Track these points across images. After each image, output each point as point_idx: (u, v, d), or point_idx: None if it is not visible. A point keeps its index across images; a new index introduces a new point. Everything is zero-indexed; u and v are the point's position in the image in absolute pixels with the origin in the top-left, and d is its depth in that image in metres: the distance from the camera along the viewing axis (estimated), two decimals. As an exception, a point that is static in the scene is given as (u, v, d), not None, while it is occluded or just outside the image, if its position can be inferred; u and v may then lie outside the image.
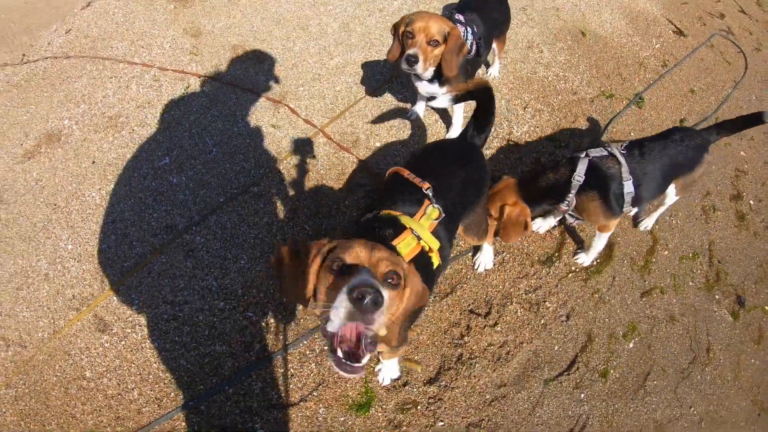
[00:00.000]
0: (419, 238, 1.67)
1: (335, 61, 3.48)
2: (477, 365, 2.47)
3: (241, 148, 2.98)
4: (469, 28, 2.63)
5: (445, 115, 3.37)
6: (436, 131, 3.31)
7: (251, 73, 3.35)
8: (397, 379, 2.40)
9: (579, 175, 2.37)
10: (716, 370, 2.89)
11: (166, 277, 2.56)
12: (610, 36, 4.20)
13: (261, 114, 3.16)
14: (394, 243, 1.60)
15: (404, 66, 2.41)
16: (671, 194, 2.69)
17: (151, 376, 2.34)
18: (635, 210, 2.51)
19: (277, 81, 3.34)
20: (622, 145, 2.47)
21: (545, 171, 2.49)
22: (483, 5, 2.89)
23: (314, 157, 3.02)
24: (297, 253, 1.42)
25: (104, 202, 2.81)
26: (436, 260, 1.73)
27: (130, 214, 2.75)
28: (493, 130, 3.27)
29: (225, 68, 3.38)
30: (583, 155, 2.41)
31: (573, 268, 2.86)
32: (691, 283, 3.06)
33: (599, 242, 2.73)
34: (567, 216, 2.62)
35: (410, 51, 2.37)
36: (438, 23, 2.39)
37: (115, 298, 2.51)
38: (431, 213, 1.75)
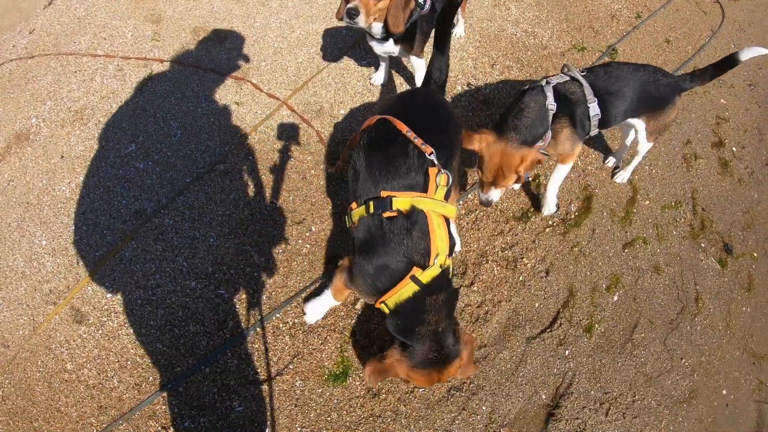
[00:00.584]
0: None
1: (296, 34, 3.42)
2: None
3: (205, 128, 2.94)
4: None
5: (410, 79, 3.31)
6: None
7: (213, 53, 3.31)
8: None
9: (551, 104, 2.26)
10: (706, 319, 2.85)
11: (137, 262, 2.53)
12: (580, -11, 4.11)
13: (224, 92, 3.12)
14: (433, 253, 1.55)
15: (346, 20, 2.31)
16: (642, 137, 2.60)
17: (129, 363, 2.32)
18: (596, 132, 2.42)
19: (239, 58, 3.29)
20: (580, 68, 2.39)
21: (513, 110, 2.28)
22: None
23: (279, 130, 2.98)
24: None
25: (74, 195, 2.79)
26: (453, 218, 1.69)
27: (99, 203, 2.72)
28: (461, 88, 3.23)
29: (187, 51, 3.33)
30: (544, 83, 2.31)
31: (550, 223, 2.80)
32: (675, 233, 3.01)
33: (560, 176, 2.60)
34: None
35: (350, 4, 2.26)
36: None
37: (89, 288, 2.49)
38: (441, 180, 1.62)
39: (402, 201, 1.58)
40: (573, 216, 2.83)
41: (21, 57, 3.50)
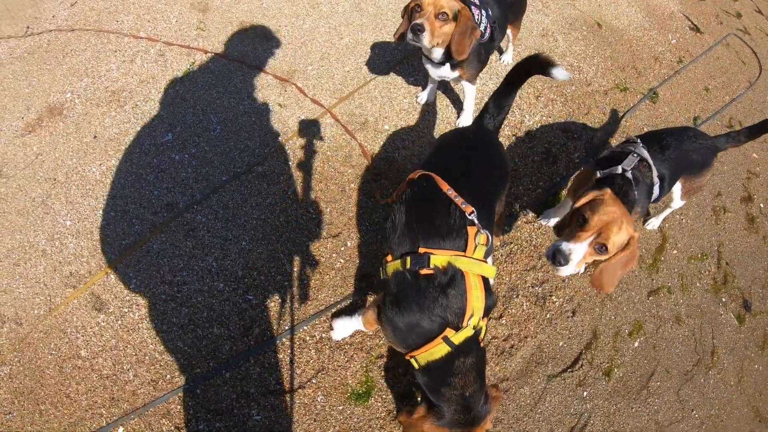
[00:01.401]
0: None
1: (345, 41, 3.39)
2: (481, 357, 2.43)
3: (246, 127, 2.91)
4: (483, 11, 2.53)
5: (456, 101, 3.29)
6: (446, 116, 3.23)
7: (259, 50, 3.27)
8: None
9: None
10: (720, 374, 2.86)
11: (165, 256, 2.50)
12: (626, 28, 4.11)
13: (267, 92, 3.08)
14: (467, 315, 1.52)
15: (409, 36, 2.29)
16: (676, 196, 2.59)
17: (147, 358, 2.29)
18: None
19: (285, 59, 3.25)
20: (635, 138, 2.36)
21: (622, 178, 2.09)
22: None
23: (321, 138, 2.95)
24: None
25: (105, 178, 2.75)
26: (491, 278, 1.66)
27: (130, 190, 2.69)
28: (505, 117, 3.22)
29: (232, 44, 3.29)
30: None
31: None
32: (698, 284, 3.01)
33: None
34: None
35: (417, 21, 2.26)
36: (448, 0, 2.30)
37: (112, 276, 2.46)
38: (481, 239, 1.60)
39: (440, 258, 1.56)
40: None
41: (61, 29, 3.45)
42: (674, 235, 3.08)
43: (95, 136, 2.90)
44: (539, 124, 3.27)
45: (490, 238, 1.63)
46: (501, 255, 2.71)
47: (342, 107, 3.08)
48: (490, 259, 2.29)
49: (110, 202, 2.66)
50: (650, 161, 2.20)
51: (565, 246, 1.76)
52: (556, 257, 1.77)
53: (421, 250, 1.59)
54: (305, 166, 2.83)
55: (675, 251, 3.02)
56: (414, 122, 3.14)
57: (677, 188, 2.53)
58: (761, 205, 3.59)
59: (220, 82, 3.09)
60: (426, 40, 2.30)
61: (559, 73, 1.84)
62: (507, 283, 2.62)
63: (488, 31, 2.55)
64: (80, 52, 3.28)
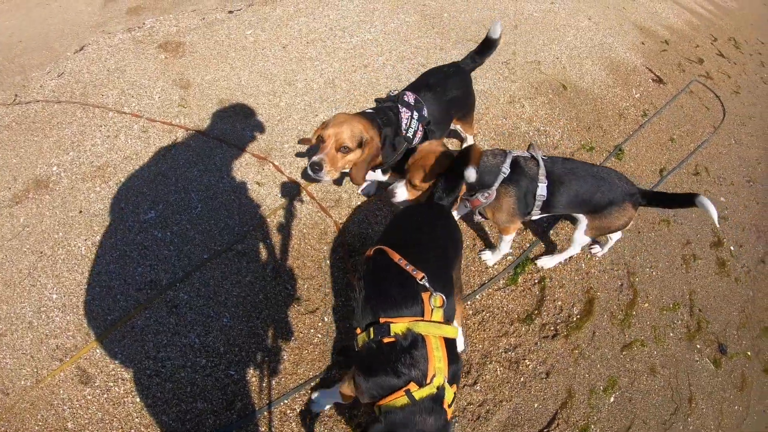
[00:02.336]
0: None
1: (320, 118, 3.52)
2: (456, 426, 2.47)
3: (225, 205, 3.01)
4: (415, 113, 2.53)
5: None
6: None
7: (238, 128, 3.40)
8: None
9: (506, 167, 2.40)
10: (699, 419, 2.91)
11: (149, 332, 2.56)
12: (590, 88, 4.30)
13: (246, 170, 3.19)
14: (430, 372, 1.56)
15: (309, 172, 2.31)
16: (579, 231, 2.68)
17: (132, 431, 2.33)
18: (540, 216, 2.59)
19: (263, 137, 3.37)
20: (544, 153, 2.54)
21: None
22: (441, 84, 2.70)
23: (297, 215, 3.04)
24: None
25: (90, 253, 2.82)
26: (455, 337, 1.73)
27: (114, 266, 2.76)
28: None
29: (212, 122, 3.42)
30: (509, 152, 2.47)
31: (555, 326, 2.88)
32: (671, 334, 3.10)
33: (504, 245, 2.81)
34: (477, 212, 2.64)
35: (315, 157, 2.27)
36: (353, 129, 2.28)
37: (98, 350, 2.50)
38: (436, 302, 1.68)
39: (399, 326, 1.64)
40: (575, 319, 2.91)
41: (48, 100, 3.58)
42: (644, 288, 3.18)
43: (81, 211, 2.99)
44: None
45: (444, 300, 1.70)
46: (473, 323, 2.79)
47: (317, 185, 3.19)
48: (456, 322, 2.37)
49: (95, 277, 2.72)
50: (540, 160, 2.49)
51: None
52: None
53: (382, 320, 1.69)
54: (283, 243, 2.92)
55: (646, 304, 3.12)
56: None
57: (583, 221, 2.64)
58: (731, 248, 3.72)
59: (200, 159, 3.20)
60: (325, 175, 2.30)
61: (470, 173, 2.07)
62: (480, 350, 2.70)
63: (419, 135, 2.56)
64: (66, 125, 3.40)
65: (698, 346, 3.15)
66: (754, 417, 3.13)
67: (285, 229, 2.96)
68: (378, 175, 2.70)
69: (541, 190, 2.41)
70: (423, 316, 1.68)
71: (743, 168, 4.35)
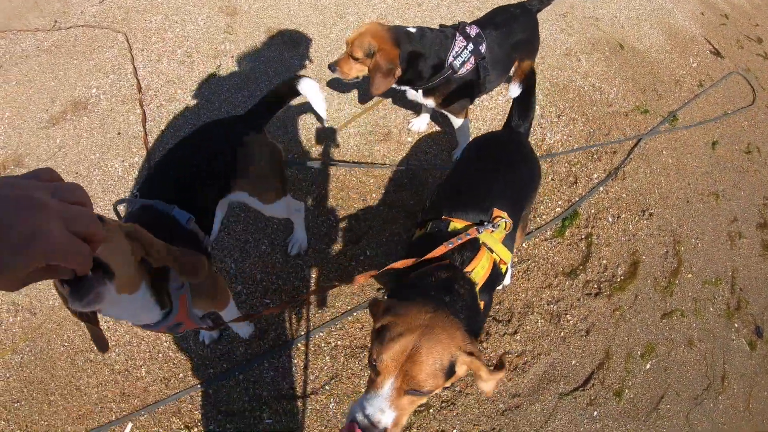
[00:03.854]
0: (491, 250, 1.59)
1: (370, 52, 3.42)
2: (493, 373, 2.43)
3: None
4: (472, 45, 2.44)
5: (475, 111, 3.31)
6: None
7: (286, 56, 3.31)
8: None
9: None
10: (729, 399, 2.84)
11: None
12: (647, 50, 4.13)
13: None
14: (469, 268, 1.51)
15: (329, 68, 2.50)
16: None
17: (160, 355, 2.31)
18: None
19: (311, 67, 3.29)
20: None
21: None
22: (508, 24, 2.59)
23: (344, 147, 2.97)
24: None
25: (127, 174, 2.78)
26: (504, 269, 1.69)
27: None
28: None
29: (259, 50, 3.33)
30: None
31: (598, 284, 2.80)
32: (711, 309, 3.01)
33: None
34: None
35: (332, 60, 2.51)
36: (362, 39, 2.30)
37: (129, 271, 2.47)
38: (503, 225, 1.64)
39: (458, 224, 1.62)
40: (619, 279, 2.83)
41: (89, 24, 3.51)
42: (689, 258, 3.07)
43: (119, 133, 2.94)
44: (560, 144, 3.29)
45: (511, 224, 1.66)
46: (518, 271, 2.72)
47: (367, 117, 3.11)
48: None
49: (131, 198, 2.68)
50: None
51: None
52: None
53: (444, 218, 1.67)
54: (327, 171, 2.85)
55: (690, 275, 3.02)
56: (437, 134, 3.16)
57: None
58: (777, 232, 3.59)
59: (246, 85, 3.13)
60: (340, 74, 2.48)
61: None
62: (523, 300, 2.63)
63: (467, 66, 2.46)
64: (107, 49, 3.33)
65: (736, 326, 3.06)
66: (782, 406, 3.06)
67: (331, 156, 2.89)
68: (416, 95, 2.61)
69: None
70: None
71: (794, 153, 4.19)
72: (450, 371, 1.16)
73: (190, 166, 1.74)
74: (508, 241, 1.70)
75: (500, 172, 1.83)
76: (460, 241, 1.54)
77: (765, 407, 2.98)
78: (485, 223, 1.62)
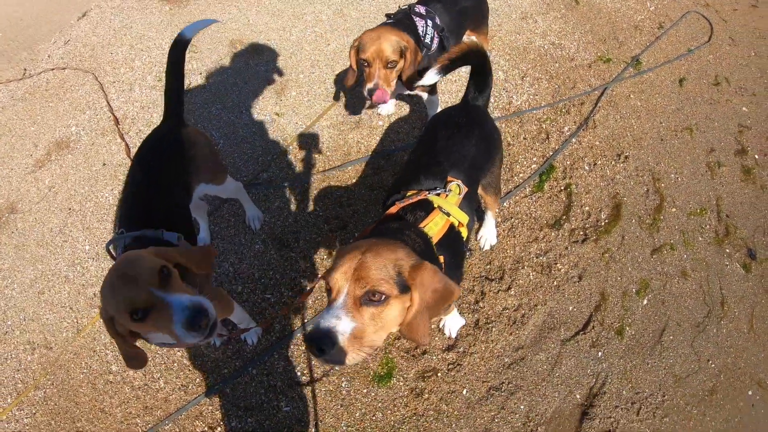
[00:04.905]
0: (448, 215, 1.66)
1: (332, 47, 3.52)
2: (494, 329, 2.51)
3: (247, 138, 3.04)
4: (429, 21, 2.52)
5: (441, 86, 3.39)
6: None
7: (251, 65, 3.40)
8: (464, 326, 2.51)
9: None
10: (732, 323, 2.90)
11: (183, 267, 2.61)
12: (603, 1, 4.19)
13: (264, 103, 3.21)
14: (422, 225, 1.59)
15: (369, 100, 2.35)
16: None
17: (175, 365, 2.41)
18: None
19: (277, 70, 3.38)
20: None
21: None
22: None
23: (319, 140, 3.06)
24: None
25: (117, 202, 2.87)
26: (464, 232, 1.76)
27: (143, 210, 2.80)
28: (492, 100, 3.31)
29: (225, 63, 3.43)
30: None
31: (584, 231, 2.88)
32: (700, 239, 3.07)
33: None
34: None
35: (370, 85, 2.30)
36: (391, 42, 2.27)
37: (135, 292, 2.56)
38: (455, 189, 1.75)
39: (412, 192, 1.75)
40: (603, 223, 2.90)
41: (58, 67, 3.61)
42: (671, 193, 3.14)
43: (104, 164, 3.04)
44: (527, 104, 3.37)
45: (461, 186, 1.77)
46: (503, 230, 2.80)
47: (336, 109, 3.20)
48: (490, 213, 2.61)
49: (125, 223, 2.78)
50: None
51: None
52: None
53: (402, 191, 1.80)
54: (307, 167, 2.95)
55: (674, 209, 3.09)
56: (405, 116, 3.25)
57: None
58: (756, 156, 3.64)
59: (217, 98, 3.22)
60: (387, 98, 2.35)
61: None
62: (512, 256, 2.71)
63: (435, 41, 2.54)
64: (79, 87, 3.43)
65: (727, 251, 3.11)
66: (786, 321, 3.12)
67: (308, 153, 2.98)
68: (402, 88, 2.66)
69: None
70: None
71: (765, 79, 4.23)
72: (401, 283, 1.21)
73: (154, 186, 1.85)
74: (466, 206, 1.80)
75: (456, 144, 1.93)
76: (410, 201, 1.66)
77: (768, 326, 3.04)
78: (437, 189, 1.73)
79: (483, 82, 2.15)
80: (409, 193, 1.74)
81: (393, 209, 1.66)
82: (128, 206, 1.85)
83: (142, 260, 1.36)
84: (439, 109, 2.95)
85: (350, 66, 2.45)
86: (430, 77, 2.12)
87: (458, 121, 2.07)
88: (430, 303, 1.26)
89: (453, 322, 2.45)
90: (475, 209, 1.96)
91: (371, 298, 1.17)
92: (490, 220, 2.67)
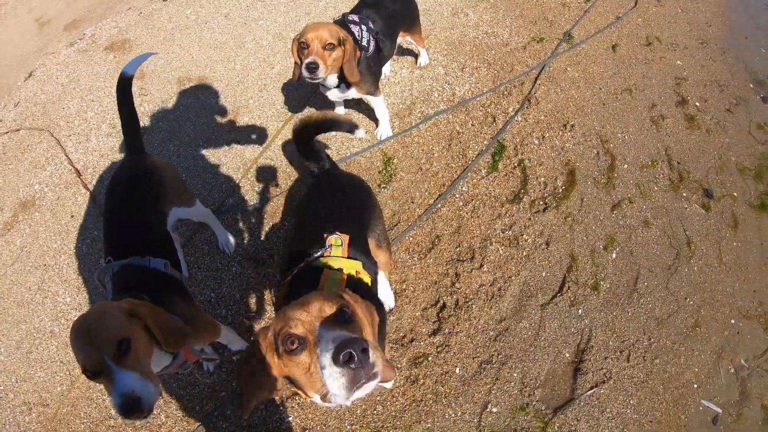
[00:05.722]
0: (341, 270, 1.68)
1: (276, 69, 3.61)
2: (474, 307, 2.60)
3: (208, 168, 3.10)
4: (363, 26, 2.67)
5: (386, 89, 3.53)
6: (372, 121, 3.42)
7: (201, 98, 3.48)
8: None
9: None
10: (701, 260, 3.02)
11: (165, 301, 2.65)
12: (529, -14, 4.39)
13: (219, 133, 3.28)
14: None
15: (306, 75, 2.42)
16: None
17: (173, 397, 2.43)
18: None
19: (227, 100, 3.46)
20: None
21: None
22: (378, 1, 2.85)
23: (278, 159, 3.14)
24: (249, 357, 1.29)
25: (91, 249, 2.90)
26: (366, 278, 1.75)
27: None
28: (436, 94, 3.44)
29: (176, 101, 3.49)
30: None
31: (543, 200, 3.00)
32: (656, 188, 3.22)
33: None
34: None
35: (308, 59, 2.39)
36: (329, 29, 2.41)
37: (122, 335, 2.59)
38: (336, 242, 1.75)
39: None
40: (560, 190, 3.03)
41: (11, 129, 3.62)
42: (621, 152, 3.30)
43: (72, 216, 3.06)
44: (470, 93, 3.51)
45: (341, 238, 1.75)
46: (466, 213, 2.92)
47: (290, 126, 3.28)
48: (383, 274, 2.44)
49: (102, 269, 2.80)
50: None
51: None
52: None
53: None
54: (270, 186, 3.02)
55: (625, 165, 3.24)
56: (357, 121, 3.32)
57: None
58: (696, 104, 3.84)
59: (173, 136, 3.28)
60: (322, 73, 2.42)
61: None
62: (478, 236, 2.82)
63: (371, 44, 2.69)
64: (36, 145, 3.45)
65: (684, 195, 3.26)
66: (754, 251, 3.26)
67: (268, 173, 3.06)
68: (346, 91, 2.76)
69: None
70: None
71: (694, 32, 4.44)
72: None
73: (133, 215, 1.92)
74: (359, 252, 1.81)
75: (328, 208, 1.97)
76: (294, 271, 1.70)
77: (738, 256, 3.15)
78: (317, 251, 1.74)
79: (313, 151, 2.16)
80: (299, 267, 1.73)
81: (285, 287, 1.69)
82: (112, 236, 1.91)
83: (108, 323, 1.38)
84: (385, 111, 3.09)
85: (295, 62, 2.55)
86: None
87: (323, 188, 2.11)
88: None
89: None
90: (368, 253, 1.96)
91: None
92: (384, 282, 2.54)
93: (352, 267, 1.73)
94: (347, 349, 1.01)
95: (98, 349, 1.33)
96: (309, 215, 2.02)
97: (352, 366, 1.02)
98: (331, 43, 2.40)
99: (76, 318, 1.42)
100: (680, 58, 4.14)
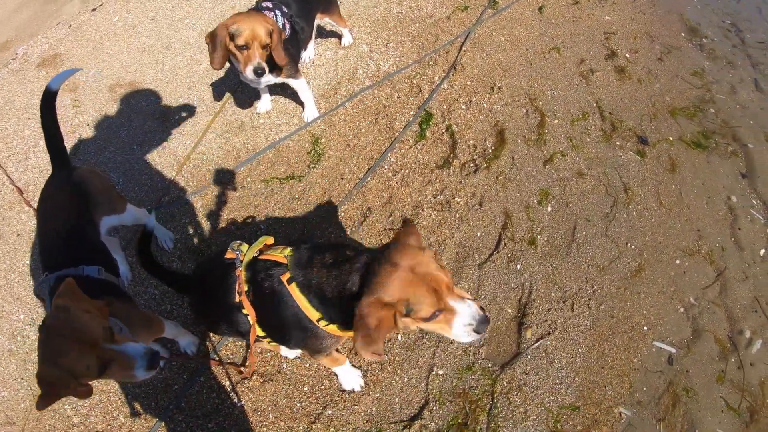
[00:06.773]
0: None
1: (204, 65, 3.63)
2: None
3: (144, 170, 3.13)
4: (277, 11, 2.72)
5: (310, 72, 3.58)
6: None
7: (132, 103, 3.50)
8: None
9: None
10: (640, 204, 3.09)
11: (113, 306, 2.68)
12: (450, -42, 4.43)
13: (152, 134, 3.30)
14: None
15: (251, 77, 2.57)
16: None
17: (129, 396, 2.47)
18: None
19: (158, 101, 3.49)
20: None
21: None
22: None
23: (210, 155, 3.18)
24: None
25: (40, 265, 2.91)
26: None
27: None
28: (361, 71, 3.50)
29: (109, 108, 3.51)
30: None
31: (474, 162, 3.06)
32: (588, 140, 3.29)
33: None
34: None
35: (254, 64, 2.52)
36: (263, 26, 2.49)
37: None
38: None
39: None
40: (490, 151, 3.10)
41: (-54, 158, 3.61)
42: (550, 108, 3.36)
43: (18, 234, 3.07)
44: (395, 67, 3.56)
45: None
46: (395, 182, 2.97)
47: (219, 119, 3.32)
48: None
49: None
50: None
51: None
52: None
53: None
54: (203, 180, 3.06)
55: (556, 121, 3.31)
56: (283, 107, 3.40)
57: None
58: (627, 56, 3.91)
59: (109, 143, 3.30)
60: (267, 73, 2.58)
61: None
62: (409, 203, 2.88)
63: (287, 27, 2.76)
64: (-25, 170, 3.45)
65: (618, 143, 3.33)
66: (694, 191, 3.34)
67: (202, 167, 3.10)
68: (270, 77, 2.82)
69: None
70: None
71: (624, -12, 4.53)
72: None
73: (63, 228, 1.97)
74: None
75: None
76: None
77: (677, 198, 3.22)
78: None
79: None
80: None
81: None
82: (46, 251, 1.98)
83: (79, 322, 1.45)
84: (309, 92, 3.14)
85: (215, 49, 2.56)
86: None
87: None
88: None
89: None
90: None
91: None
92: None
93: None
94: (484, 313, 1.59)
95: (96, 344, 1.44)
96: None
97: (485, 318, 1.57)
98: (268, 44, 2.51)
99: (38, 341, 1.50)
100: (609, 14, 4.22)
